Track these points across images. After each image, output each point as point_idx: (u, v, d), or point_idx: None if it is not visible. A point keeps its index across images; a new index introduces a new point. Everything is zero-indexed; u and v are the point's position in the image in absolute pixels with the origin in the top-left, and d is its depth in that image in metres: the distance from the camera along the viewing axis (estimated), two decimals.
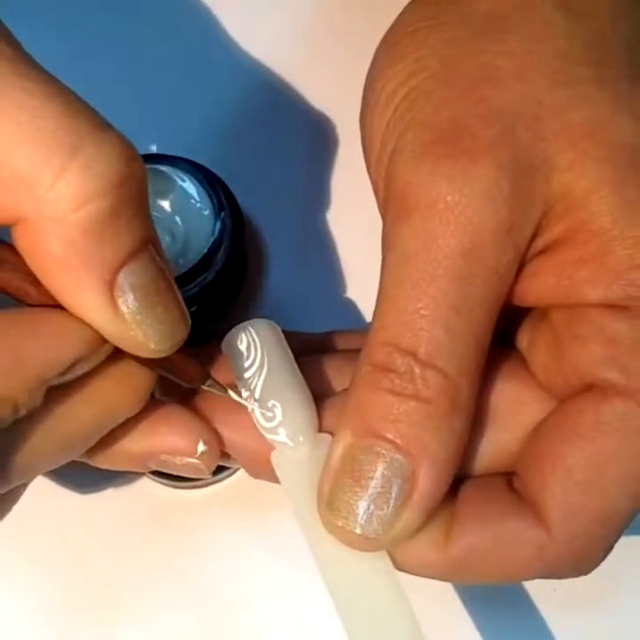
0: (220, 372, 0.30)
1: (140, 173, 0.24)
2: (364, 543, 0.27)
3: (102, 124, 0.24)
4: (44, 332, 0.25)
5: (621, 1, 0.29)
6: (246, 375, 0.29)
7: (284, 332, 0.31)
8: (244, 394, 0.29)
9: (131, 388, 0.27)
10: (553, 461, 0.28)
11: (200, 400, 0.30)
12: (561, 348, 0.28)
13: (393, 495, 0.27)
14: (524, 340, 0.30)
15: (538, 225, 0.27)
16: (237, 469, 0.37)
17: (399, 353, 0.27)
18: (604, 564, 0.29)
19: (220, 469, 0.36)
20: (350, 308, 0.39)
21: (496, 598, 0.35)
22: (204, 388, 0.29)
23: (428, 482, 0.27)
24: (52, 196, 0.23)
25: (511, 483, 0.29)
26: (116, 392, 0.27)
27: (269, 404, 0.29)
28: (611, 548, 0.29)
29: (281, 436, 0.29)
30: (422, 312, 0.26)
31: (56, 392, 0.26)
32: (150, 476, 0.37)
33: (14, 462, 0.25)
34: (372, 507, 0.27)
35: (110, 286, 0.24)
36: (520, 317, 0.30)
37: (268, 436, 0.29)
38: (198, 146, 0.41)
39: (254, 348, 0.30)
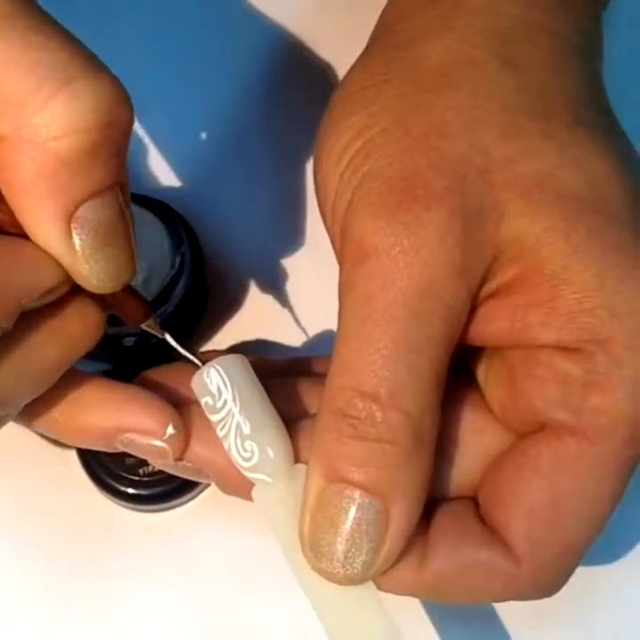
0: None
1: (126, 118, 0.25)
2: (349, 581, 0.28)
3: (97, 65, 0.25)
4: (25, 259, 0.25)
5: (561, 56, 0.30)
6: (219, 417, 0.29)
7: (251, 357, 0.31)
8: (220, 434, 0.29)
9: (88, 323, 0.28)
10: (516, 501, 0.28)
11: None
12: (516, 386, 0.29)
13: (370, 535, 0.27)
14: (481, 374, 0.31)
15: (489, 268, 0.27)
16: (205, 488, 0.38)
17: (360, 397, 0.27)
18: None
19: (186, 490, 0.37)
20: (313, 339, 0.39)
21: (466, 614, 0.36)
22: (143, 326, 0.30)
23: (401, 518, 0.27)
24: (35, 120, 0.24)
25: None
26: (76, 327, 0.27)
27: (246, 445, 0.29)
28: (572, 573, 0.29)
29: (259, 474, 0.29)
30: (383, 352, 0.27)
31: (25, 323, 0.26)
32: (120, 502, 0.37)
33: None
34: (351, 548, 0.27)
35: (69, 217, 0.25)
36: (477, 348, 0.31)
37: (247, 474, 0.29)
38: (158, 182, 0.41)
39: (225, 388, 0.29)
